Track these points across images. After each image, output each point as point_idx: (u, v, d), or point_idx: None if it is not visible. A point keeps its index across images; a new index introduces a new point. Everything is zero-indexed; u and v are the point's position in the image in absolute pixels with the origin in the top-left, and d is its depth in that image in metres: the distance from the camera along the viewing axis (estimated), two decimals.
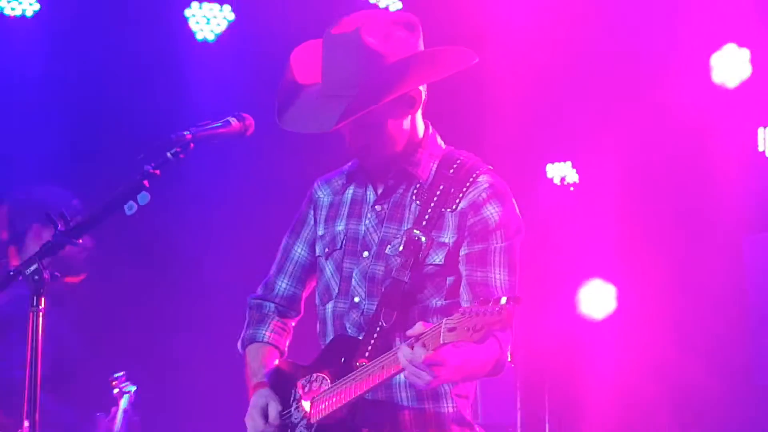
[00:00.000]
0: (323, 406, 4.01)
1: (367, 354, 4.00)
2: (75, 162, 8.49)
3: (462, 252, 4.08)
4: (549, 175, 9.91)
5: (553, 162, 9.93)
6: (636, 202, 9.01)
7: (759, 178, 8.82)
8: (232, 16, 9.16)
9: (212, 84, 8.79)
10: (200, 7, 9.14)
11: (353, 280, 4.14)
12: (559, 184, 9.92)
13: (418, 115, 4.19)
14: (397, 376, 3.89)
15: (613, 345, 8.83)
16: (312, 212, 4.37)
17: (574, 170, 9.88)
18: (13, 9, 8.69)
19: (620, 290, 9.06)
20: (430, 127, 4.24)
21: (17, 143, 8.59)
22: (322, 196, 4.35)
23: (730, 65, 8.96)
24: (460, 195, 4.09)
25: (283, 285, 4.42)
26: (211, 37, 9.12)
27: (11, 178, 8.48)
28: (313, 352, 4.30)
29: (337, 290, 4.19)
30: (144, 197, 3.88)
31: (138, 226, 7.91)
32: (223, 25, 9.14)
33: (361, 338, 4.05)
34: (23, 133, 8.61)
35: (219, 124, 4.05)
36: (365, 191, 4.23)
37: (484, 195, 4.09)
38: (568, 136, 9.48)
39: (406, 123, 4.12)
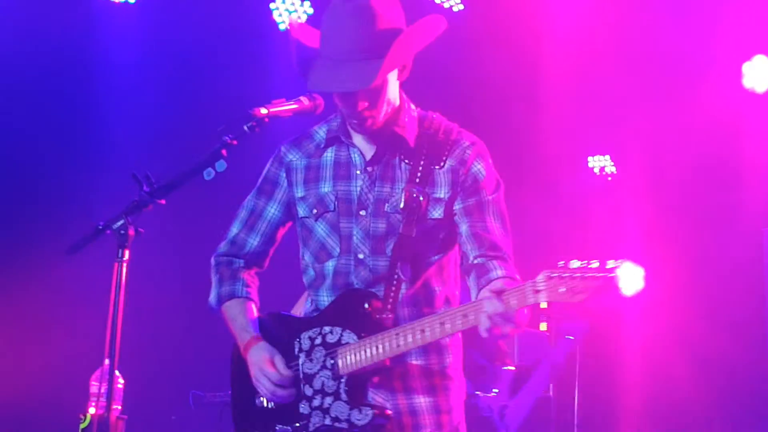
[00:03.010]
0: (357, 358, 3.89)
1: (389, 307, 3.92)
2: (166, 133, 8.55)
3: (457, 206, 4.02)
4: (590, 166, 9.93)
5: (593, 155, 9.94)
6: (667, 194, 8.95)
7: None
8: (311, 11, 9.16)
9: (291, 69, 8.80)
10: (283, 1, 9.13)
11: (354, 238, 4.04)
12: (598, 174, 9.94)
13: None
14: None
15: (642, 319, 8.76)
16: (284, 174, 4.23)
17: (613, 163, 9.87)
18: None
19: (648, 272, 8.98)
20: (404, 93, 4.15)
21: (119, 115, 8.67)
22: (294, 158, 4.22)
23: (759, 73, 8.88)
24: (446, 153, 4.04)
25: (254, 242, 4.28)
26: None
27: (111, 147, 8.58)
28: (282, 303, 4.21)
29: (338, 249, 4.06)
30: (221, 165, 3.90)
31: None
32: (303, 18, 9.14)
33: (379, 292, 3.97)
34: (124, 107, 8.68)
35: (291, 102, 4.06)
36: (349, 153, 4.12)
37: (468, 152, 4.05)
38: (608, 131, 9.44)
39: (396, 88, 4.06)
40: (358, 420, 3.89)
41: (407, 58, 4.00)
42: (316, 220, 4.12)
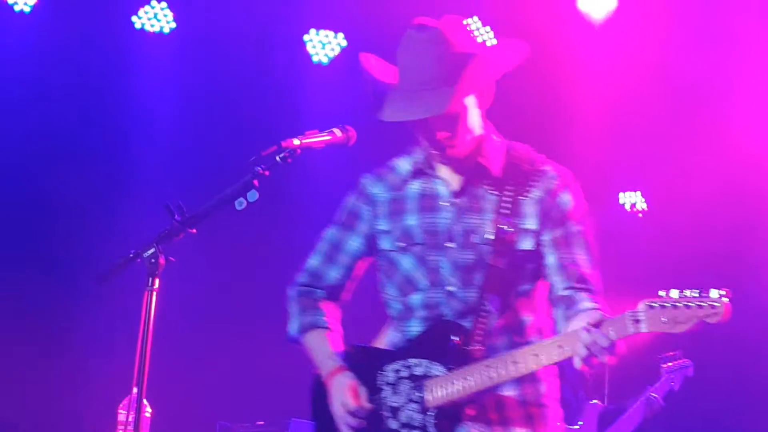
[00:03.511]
0: (445, 391, 3.84)
1: (477, 338, 3.86)
2: (199, 163, 8.59)
3: (545, 237, 3.95)
4: (621, 202, 9.89)
5: (624, 191, 9.90)
6: (697, 230, 8.87)
7: None
8: (345, 43, 9.19)
9: (323, 101, 8.87)
10: (317, 33, 9.17)
11: (442, 270, 3.97)
12: (629, 210, 9.90)
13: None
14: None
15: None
16: (368, 207, 4.18)
17: (643, 198, 9.83)
18: (152, 26, 8.79)
19: None
20: (489, 121, 4.11)
21: (152, 145, 8.72)
22: (377, 192, 4.18)
23: None
24: (532, 183, 3.98)
25: (333, 274, 4.24)
26: (325, 60, 9.17)
27: (143, 176, 8.62)
28: (364, 335, 4.18)
29: (426, 282, 4.00)
30: (253, 195, 3.91)
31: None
32: (337, 50, 9.18)
33: (467, 324, 3.90)
34: (157, 137, 8.73)
35: (324, 134, 4.05)
36: (434, 185, 4.07)
37: (555, 182, 3.99)
38: (639, 167, 9.39)
39: (478, 116, 4.01)
40: None
41: (482, 85, 3.96)
42: (401, 253, 4.07)
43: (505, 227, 3.92)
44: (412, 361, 3.94)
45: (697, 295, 3.40)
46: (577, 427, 6.01)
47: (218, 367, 8.54)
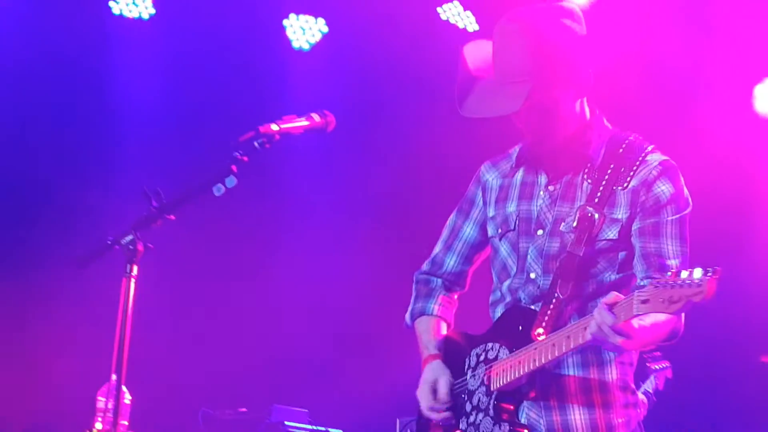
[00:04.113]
0: (503, 374, 3.89)
1: (543, 324, 3.87)
2: (177, 149, 8.56)
3: (634, 227, 3.93)
4: None
5: None
6: None
7: None
8: (326, 29, 9.15)
9: (303, 86, 8.85)
10: (297, 19, 9.14)
11: (529, 257, 4.01)
12: None
13: (585, 99, 4.07)
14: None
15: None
16: (481, 194, 4.24)
17: None
18: (131, 11, 8.75)
19: None
20: (596, 110, 4.11)
21: (130, 131, 8.69)
22: (490, 179, 4.22)
23: None
24: (631, 173, 3.95)
25: (451, 262, 4.31)
26: (306, 46, 9.13)
27: (122, 163, 8.59)
28: (484, 324, 4.19)
29: (515, 269, 4.05)
30: (231, 180, 3.93)
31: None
32: (318, 36, 9.14)
33: (537, 309, 3.93)
34: (135, 123, 8.70)
35: (303, 119, 4.06)
36: (536, 174, 4.09)
37: (654, 173, 3.95)
38: None
39: (577, 106, 4.00)
40: None
41: (575, 75, 3.93)
42: (500, 240, 4.12)
43: (591, 215, 3.91)
44: (489, 345, 4.03)
45: (698, 274, 3.38)
46: None
47: (200, 354, 8.52)
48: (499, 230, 4.12)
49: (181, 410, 8.09)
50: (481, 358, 4.03)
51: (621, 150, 4.01)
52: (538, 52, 3.85)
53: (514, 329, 3.94)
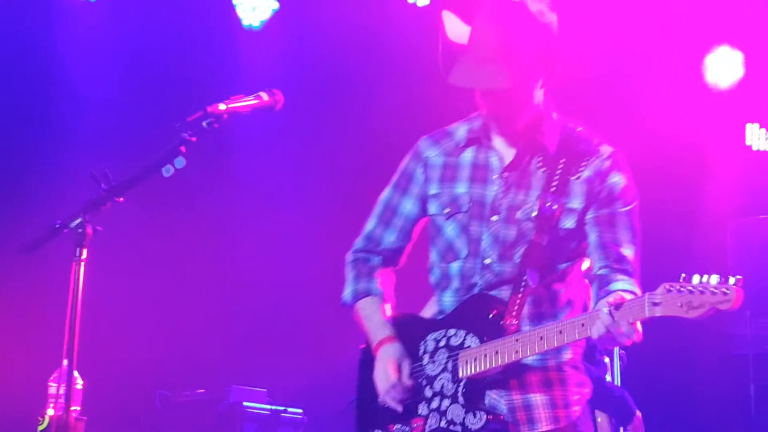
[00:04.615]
0: (475, 362, 3.89)
1: (514, 313, 3.89)
2: (126, 131, 8.51)
3: (589, 216, 3.97)
4: None
5: None
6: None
7: (745, 169, 8.74)
8: (276, 5, 9.10)
9: (255, 64, 8.82)
10: None
11: (483, 242, 4.00)
12: None
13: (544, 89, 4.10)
14: (524, 329, 3.85)
15: None
16: (422, 169, 4.19)
17: None
18: None
19: None
20: (549, 100, 4.14)
21: (78, 112, 8.62)
22: (431, 155, 4.18)
23: (723, 66, 8.84)
24: (584, 164, 3.99)
25: (391, 238, 4.25)
26: (256, 24, 9.08)
27: (70, 145, 8.52)
28: (414, 301, 4.21)
29: (466, 251, 4.03)
30: (180, 161, 3.90)
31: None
32: (268, 13, 9.09)
33: (499, 296, 3.95)
34: (83, 104, 8.63)
35: (251, 98, 4.04)
36: (488, 156, 4.09)
37: (607, 164, 3.99)
38: None
39: (539, 95, 4.04)
40: (472, 424, 3.87)
41: (550, 63, 3.99)
42: (446, 219, 4.09)
43: (550, 205, 3.94)
44: (451, 331, 4.01)
45: (715, 281, 3.44)
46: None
47: (156, 337, 8.49)
48: (447, 210, 4.10)
49: (138, 393, 8.06)
50: (441, 344, 4.01)
51: (573, 140, 4.05)
52: (528, 34, 3.91)
53: (482, 317, 3.95)
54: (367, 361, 4.18)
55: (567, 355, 4.02)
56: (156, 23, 8.77)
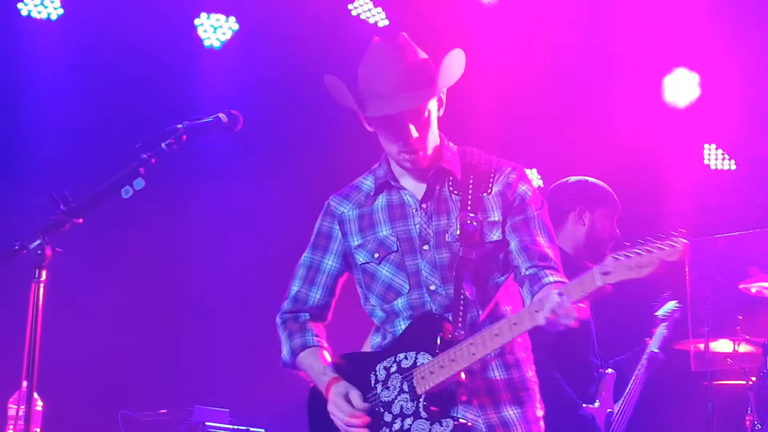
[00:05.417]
0: (431, 376, 3.98)
1: (459, 325, 4.02)
2: (85, 152, 8.48)
3: (507, 225, 4.15)
4: None
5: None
6: None
7: (703, 188, 8.83)
8: (236, 26, 9.14)
9: (216, 85, 8.83)
10: (208, 17, 9.13)
11: (423, 272, 4.14)
12: None
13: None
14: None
15: None
16: (338, 226, 4.33)
17: (539, 176, 9.92)
18: (39, 12, 8.65)
19: None
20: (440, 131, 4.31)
21: (38, 133, 8.59)
22: (345, 210, 4.33)
23: (681, 87, 8.97)
24: (491, 180, 4.20)
25: (316, 296, 4.38)
26: (217, 45, 9.11)
27: (29, 166, 8.48)
28: (364, 345, 4.33)
29: (407, 286, 4.16)
30: (139, 183, 3.89)
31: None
32: (229, 34, 9.13)
33: (448, 315, 4.06)
34: (42, 125, 8.61)
35: (210, 119, 4.06)
36: (400, 195, 4.24)
37: (513, 176, 4.21)
38: (534, 145, 9.48)
39: (435, 125, 4.20)
40: (440, 431, 3.97)
41: (439, 96, 4.17)
42: (378, 264, 4.22)
43: (470, 222, 4.10)
44: (400, 356, 4.10)
45: (659, 240, 3.56)
46: (597, 404, 5.88)
47: (117, 357, 8.46)
48: (376, 254, 4.22)
49: (101, 414, 8.02)
50: (393, 369, 4.10)
51: (474, 162, 4.25)
52: (422, 65, 4.11)
53: (429, 335, 4.05)
54: (315, 402, 4.25)
55: (528, 373, 4.19)
56: (118, 44, 8.76)
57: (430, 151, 4.15)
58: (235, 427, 7.86)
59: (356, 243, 4.27)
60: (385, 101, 4.04)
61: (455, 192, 4.18)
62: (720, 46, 8.55)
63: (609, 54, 8.68)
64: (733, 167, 9.18)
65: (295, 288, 4.42)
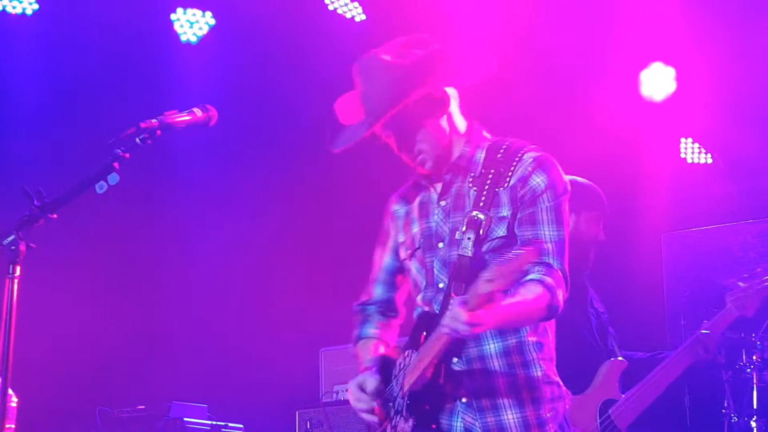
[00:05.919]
0: (411, 374, 4.04)
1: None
2: (59, 147, 8.45)
3: (516, 220, 4.10)
4: None
5: None
6: None
7: (679, 181, 8.87)
8: (213, 21, 9.13)
9: (193, 80, 8.82)
10: (184, 12, 9.11)
11: (435, 269, 4.18)
12: None
13: (455, 113, 4.24)
14: (491, 348, 4.03)
15: None
16: (392, 224, 4.43)
17: None
18: (14, 7, 8.62)
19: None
20: (474, 123, 4.29)
21: (11, 128, 8.57)
22: (398, 208, 4.42)
23: (657, 81, 9.00)
24: (510, 173, 4.11)
25: (378, 291, 4.49)
26: (193, 39, 9.10)
27: (8, 162, 8.46)
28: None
29: (424, 282, 4.22)
30: (114, 178, 3.90)
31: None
32: (205, 29, 9.12)
33: (438, 312, 4.08)
34: (16, 120, 8.58)
35: (184, 114, 4.06)
36: (429, 193, 4.28)
37: (529, 168, 4.09)
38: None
39: (444, 122, 4.18)
40: None
41: (433, 95, 4.13)
42: (410, 260, 4.30)
43: (476, 218, 4.07)
44: (406, 353, 4.18)
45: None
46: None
47: (94, 353, 8.44)
48: (408, 251, 4.31)
49: (78, 410, 8.01)
50: (401, 366, 4.18)
51: (499, 155, 4.16)
52: (384, 78, 4.06)
53: (420, 334, 4.13)
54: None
55: (537, 372, 4.09)
56: (94, 38, 8.73)
57: (431, 152, 4.14)
58: (214, 422, 7.86)
59: (401, 240, 4.37)
60: (340, 134, 4.15)
61: (473, 188, 4.14)
62: (696, 40, 8.58)
63: (585, 49, 8.69)
64: (710, 161, 9.21)
65: (369, 282, 4.54)
